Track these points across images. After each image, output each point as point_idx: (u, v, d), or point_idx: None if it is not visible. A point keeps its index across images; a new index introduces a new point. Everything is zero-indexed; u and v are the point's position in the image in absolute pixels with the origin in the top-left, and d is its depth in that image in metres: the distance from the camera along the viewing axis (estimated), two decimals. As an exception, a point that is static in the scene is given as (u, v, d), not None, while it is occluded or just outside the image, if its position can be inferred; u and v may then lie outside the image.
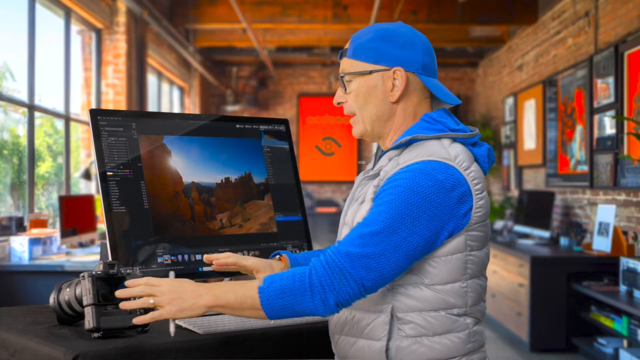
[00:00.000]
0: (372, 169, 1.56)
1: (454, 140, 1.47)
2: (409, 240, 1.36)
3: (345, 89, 1.53)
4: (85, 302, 1.46)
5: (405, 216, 1.36)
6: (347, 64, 1.52)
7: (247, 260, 1.64)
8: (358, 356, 1.46)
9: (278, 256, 1.73)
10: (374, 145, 1.63)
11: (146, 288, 1.40)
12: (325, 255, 1.38)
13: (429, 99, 1.54)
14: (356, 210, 1.50)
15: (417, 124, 1.50)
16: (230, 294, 1.37)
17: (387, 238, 1.35)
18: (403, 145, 1.47)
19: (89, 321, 1.45)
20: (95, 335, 1.47)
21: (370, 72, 1.50)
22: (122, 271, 1.51)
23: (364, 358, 1.45)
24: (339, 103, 1.56)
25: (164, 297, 1.38)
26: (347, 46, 1.54)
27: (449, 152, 1.43)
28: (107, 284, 1.48)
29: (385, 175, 1.45)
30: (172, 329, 1.42)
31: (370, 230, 1.36)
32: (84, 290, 1.47)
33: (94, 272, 1.48)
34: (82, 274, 1.48)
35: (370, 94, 1.50)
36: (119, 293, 1.42)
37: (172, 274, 1.48)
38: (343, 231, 1.55)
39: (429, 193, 1.37)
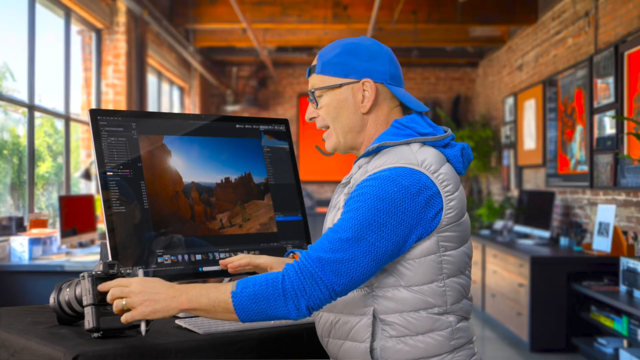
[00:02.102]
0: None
1: (424, 144, 1.51)
2: (377, 245, 1.40)
3: (317, 104, 1.57)
4: (85, 302, 1.46)
5: (373, 222, 1.40)
6: (317, 80, 1.56)
7: (259, 259, 1.69)
8: (346, 357, 1.50)
9: (292, 254, 1.78)
10: None
11: (117, 290, 1.42)
12: (297, 260, 1.41)
13: (399, 107, 1.58)
14: (333, 217, 1.55)
15: (387, 130, 1.54)
16: (203, 298, 1.40)
17: (356, 244, 1.39)
18: (372, 153, 1.51)
19: (88, 321, 1.45)
20: (95, 335, 1.47)
21: (340, 86, 1.54)
22: (122, 271, 1.51)
23: (352, 358, 1.48)
24: (311, 119, 1.60)
25: (136, 298, 1.40)
26: (314, 63, 1.58)
27: (416, 157, 1.46)
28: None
29: (354, 183, 1.49)
30: (142, 328, 1.42)
31: (339, 236, 1.40)
32: (84, 290, 1.47)
33: (93, 272, 1.48)
34: (81, 274, 1.48)
35: (341, 107, 1.54)
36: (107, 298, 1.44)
37: (140, 272, 1.49)
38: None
39: (395, 199, 1.40)
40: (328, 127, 1.58)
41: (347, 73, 1.53)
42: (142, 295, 1.40)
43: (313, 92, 1.57)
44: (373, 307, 1.47)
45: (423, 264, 1.45)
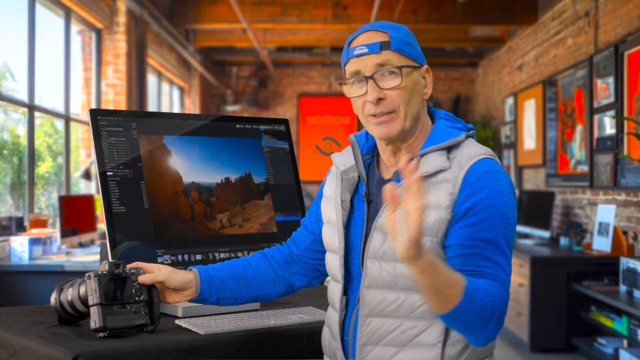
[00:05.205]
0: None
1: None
2: (512, 241, 1.39)
3: (401, 81, 1.43)
4: (91, 302, 1.46)
5: (509, 220, 1.37)
6: (394, 58, 1.43)
7: (160, 277, 1.55)
8: None
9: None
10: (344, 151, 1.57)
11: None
12: (499, 285, 1.33)
13: None
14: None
15: (444, 123, 1.48)
16: (444, 270, 1.27)
17: (510, 252, 1.37)
18: (450, 145, 1.43)
19: (95, 321, 1.45)
20: (101, 334, 1.47)
21: (419, 67, 1.47)
22: (127, 271, 1.51)
23: None
24: (379, 100, 1.43)
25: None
26: (382, 39, 1.44)
27: (484, 148, 1.45)
28: (112, 284, 1.49)
29: (453, 177, 1.38)
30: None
31: (506, 255, 1.36)
32: (90, 290, 1.47)
33: (99, 272, 1.48)
34: (87, 274, 1.48)
35: (414, 90, 1.45)
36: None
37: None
38: (376, 237, 1.42)
39: (512, 191, 1.40)
40: (391, 112, 1.44)
41: (417, 57, 1.46)
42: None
43: (400, 68, 1.42)
44: None
45: None
